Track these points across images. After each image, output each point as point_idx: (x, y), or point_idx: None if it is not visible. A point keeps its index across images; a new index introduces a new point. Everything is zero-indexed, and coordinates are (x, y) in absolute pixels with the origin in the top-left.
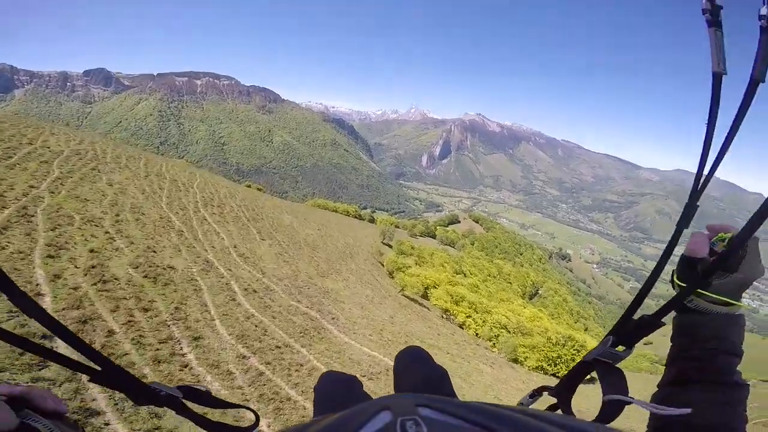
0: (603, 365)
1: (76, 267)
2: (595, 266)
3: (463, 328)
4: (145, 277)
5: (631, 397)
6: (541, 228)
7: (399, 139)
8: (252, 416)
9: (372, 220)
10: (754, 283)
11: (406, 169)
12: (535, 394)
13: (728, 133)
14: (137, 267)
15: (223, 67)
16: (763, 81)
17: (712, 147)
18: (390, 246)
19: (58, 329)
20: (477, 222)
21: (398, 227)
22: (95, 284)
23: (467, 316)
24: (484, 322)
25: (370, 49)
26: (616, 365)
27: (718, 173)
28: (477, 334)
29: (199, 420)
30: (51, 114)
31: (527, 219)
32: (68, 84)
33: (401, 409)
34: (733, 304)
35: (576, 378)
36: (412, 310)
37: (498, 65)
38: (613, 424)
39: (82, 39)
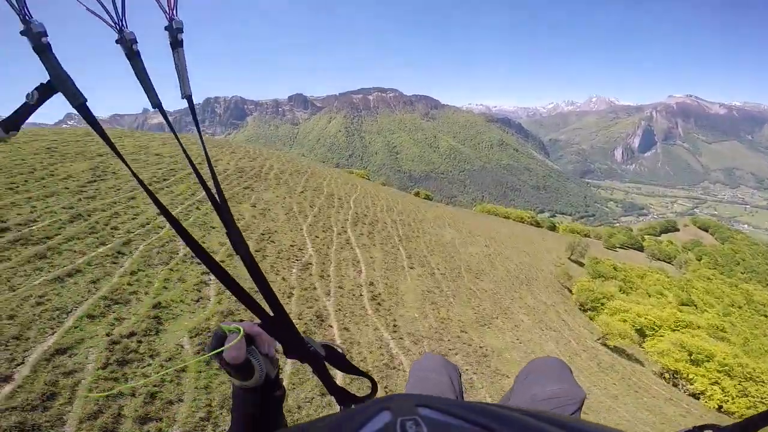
0: None
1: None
2: None
3: (698, 398)
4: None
5: None
6: None
7: (580, 133)
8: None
9: (552, 227)
10: None
11: (595, 165)
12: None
13: None
14: (196, 335)
15: (384, 80)
16: None
17: None
18: (580, 264)
19: (254, 271)
20: (705, 230)
21: (588, 236)
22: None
23: (713, 383)
24: (744, 393)
25: (533, 40)
26: None
27: None
28: (721, 408)
29: (329, 382)
30: (272, 137)
31: None
32: (279, 110)
33: (401, 410)
34: None
35: (764, 422)
36: (620, 376)
37: (713, 31)
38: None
39: (279, 70)
